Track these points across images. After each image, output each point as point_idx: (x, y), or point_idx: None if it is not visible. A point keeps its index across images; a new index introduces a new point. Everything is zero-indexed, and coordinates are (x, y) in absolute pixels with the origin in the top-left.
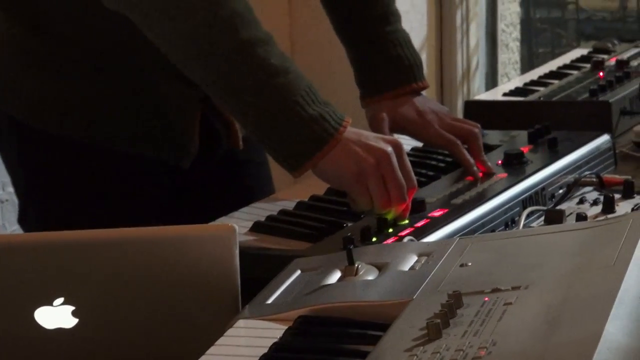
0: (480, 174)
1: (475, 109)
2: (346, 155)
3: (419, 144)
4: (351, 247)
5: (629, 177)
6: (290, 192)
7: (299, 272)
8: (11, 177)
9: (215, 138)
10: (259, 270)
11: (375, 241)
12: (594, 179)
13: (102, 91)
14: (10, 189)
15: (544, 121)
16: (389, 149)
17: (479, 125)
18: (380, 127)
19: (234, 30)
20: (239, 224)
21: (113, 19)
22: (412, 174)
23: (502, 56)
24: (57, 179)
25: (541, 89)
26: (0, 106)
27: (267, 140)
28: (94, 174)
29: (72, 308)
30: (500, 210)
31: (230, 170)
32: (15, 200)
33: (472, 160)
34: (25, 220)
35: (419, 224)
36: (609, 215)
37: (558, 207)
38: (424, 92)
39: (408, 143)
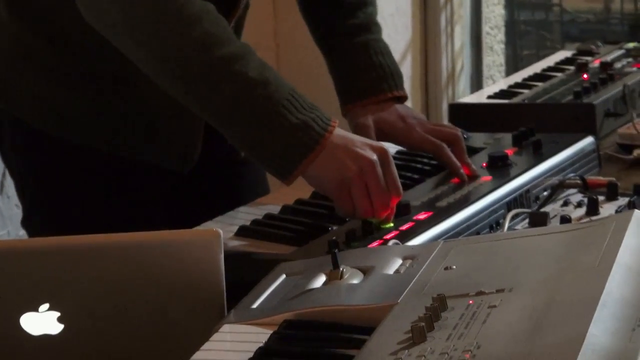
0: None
1: (460, 111)
2: (330, 162)
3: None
4: (336, 251)
5: (613, 179)
6: (276, 196)
7: (284, 276)
8: (15, 181)
9: (217, 142)
10: (245, 274)
11: (360, 244)
12: (578, 181)
13: (109, 99)
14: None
15: (528, 123)
16: (374, 157)
17: (460, 130)
18: (367, 135)
19: (207, 50)
20: (224, 229)
21: None
22: (398, 181)
23: (487, 59)
24: (62, 183)
25: (526, 91)
26: (9, 109)
27: (255, 153)
28: (96, 178)
29: (57, 314)
30: (485, 212)
31: (229, 172)
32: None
33: (458, 163)
34: (30, 224)
35: (404, 227)
36: (593, 218)
37: (542, 210)
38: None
39: (393, 146)
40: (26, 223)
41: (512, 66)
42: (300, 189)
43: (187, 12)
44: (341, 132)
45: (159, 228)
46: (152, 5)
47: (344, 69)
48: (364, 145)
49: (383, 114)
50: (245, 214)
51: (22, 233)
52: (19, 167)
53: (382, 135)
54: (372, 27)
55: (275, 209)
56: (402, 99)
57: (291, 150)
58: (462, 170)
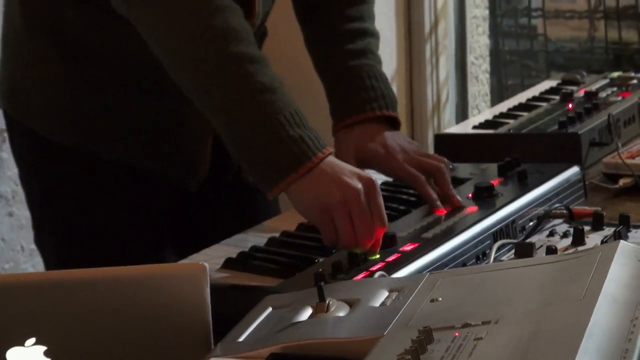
0: (449, 208)
1: (445, 142)
2: (314, 185)
3: (390, 179)
4: (322, 284)
5: (599, 208)
6: (262, 226)
7: (270, 309)
8: (26, 191)
9: (226, 163)
10: (231, 307)
11: (346, 277)
12: (564, 211)
13: (118, 108)
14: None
15: (513, 153)
16: (359, 185)
17: (445, 160)
18: (346, 160)
19: (225, 43)
20: (210, 261)
21: (136, 39)
22: (383, 212)
23: (472, 88)
24: (68, 194)
25: (511, 121)
26: (19, 117)
27: (247, 156)
28: (103, 189)
29: (44, 348)
30: (471, 243)
31: (238, 195)
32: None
33: (434, 195)
34: (42, 235)
35: (390, 259)
36: (579, 248)
37: (528, 240)
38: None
39: (379, 177)
40: (37, 236)
41: (497, 95)
42: (290, 221)
43: (215, 1)
44: (334, 160)
45: (163, 244)
46: None
47: (335, 90)
48: (351, 175)
49: (367, 140)
50: (231, 247)
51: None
52: (27, 177)
53: (363, 162)
54: (369, 54)
55: (261, 240)
56: (395, 121)
57: (280, 162)
58: (438, 203)
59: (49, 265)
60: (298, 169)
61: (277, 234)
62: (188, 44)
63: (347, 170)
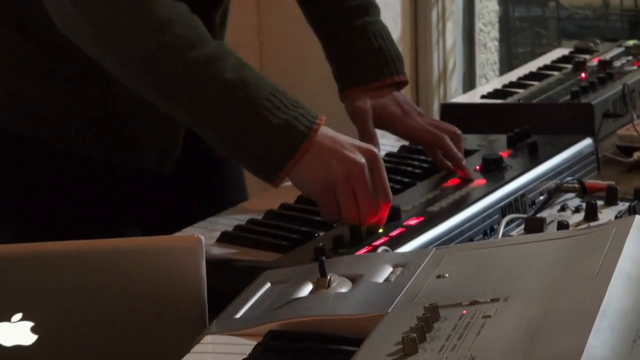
0: (457, 180)
1: (452, 112)
2: (316, 163)
3: (394, 149)
4: (323, 258)
5: (612, 182)
6: (259, 200)
7: (268, 284)
8: None
9: (196, 140)
10: (227, 283)
11: (348, 251)
12: (576, 185)
13: (81, 96)
14: None
15: (523, 125)
16: (362, 160)
17: (458, 129)
18: (364, 120)
19: (179, 55)
20: (205, 235)
21: None
22: (387, 187)
23: (480, 56)
24: (32, 184)
25: (521, 90)
26: None
27: (238, 156)
28: (69, 179)
29: (31, 324)
30: (479, 218)
31: (207, 170)
32: None
33: (460, 155)
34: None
35: (394, 233)
36: (592, 223)
37: (539, 215)
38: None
39: (383, 149)
40: None
41: (506, 64)
42: (286, 194)
43: (157, 16)
44: (328, 131)
45: (135, 229)
46: (119, 10)
47: (342, 54)
48: (352, 148)
49: (382, 100)
50: (228, 219)
51: None
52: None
53: (380, 122)
54: (369, 9)
55: (259, 214)
56: (403, 84)
57: (274, 153)
58: (464, 163)
59: None
60: (294, 155)
61: (251, 216)
62: (142, 69)
63: (347, 143)
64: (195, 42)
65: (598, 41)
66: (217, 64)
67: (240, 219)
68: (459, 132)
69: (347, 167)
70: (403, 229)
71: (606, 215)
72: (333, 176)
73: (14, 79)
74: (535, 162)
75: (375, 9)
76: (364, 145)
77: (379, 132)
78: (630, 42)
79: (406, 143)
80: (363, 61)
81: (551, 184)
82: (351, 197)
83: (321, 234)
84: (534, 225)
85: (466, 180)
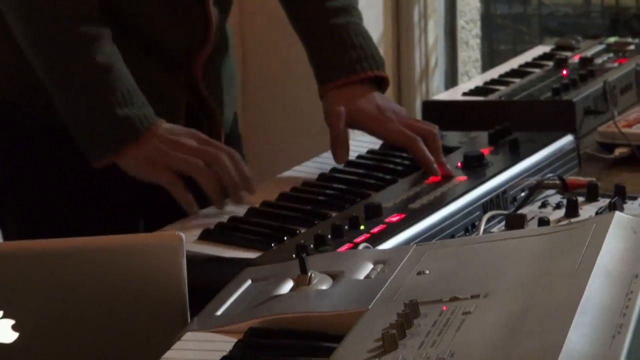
0: (438, 177)
1: (434, 109)
2: (142, 155)
3: (376, 147)
4: (304, 255)
5: (593, 179)
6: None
7: (249, 281)
8: None
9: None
10: (208, 280)
11: (329, 248)
12: (557, 182)
13: None
14: None
15: (505, 121)
16: (190, 141)
17: (437, 127)
18: (337, 124)
19: (68, 23)
20: (187, 232)
21: (105, 3)
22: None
23: (462, 54)
24: (34, 166)
25: (502, 88)
26: None
27: (76, 127)
28: (72, 177)
29: (12, 322)
30: (460, 214)
31: None
32: None
33: (432, 158)
34: (4, 207)
35: (375, 230)
36: (572, 219)
37: (519, 211)
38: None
39: (365, 146)
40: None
41: (488, 61)
42: (267, 191)
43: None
44: (168, 128)
45: (131, 216)
46: None
47: (321, 50)
48: (187, 135)
49: (358, 101)
50: (209, 218)
51: None
52: None
53: (355, 124)
54: (352, 11)
55: (240, 211)
56: (383, 81)
57: (106, 140)
58: (435, 166)
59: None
60: (124, 147)
61: (233, 214)
62: (34, 25)
63: (182, 132)
64: (84, 16)
65: (579, 38)
66: (96, 44)
67: (222, 216)
68: (436, 130)
69: (175, 148)
70: (384, 225)
71: (587, 211)
72: (160, 155)
73: (14, 59)
74: (517, 158)
75: (357, 12)
76: (202, 148)
77: (360, 132)
78: (612, 40)
79: None
80: (342, 56)
81: (532, 180)
82: (192, 161)
83: (302, 231)
84: (515, 222)
85: (447, 177)
